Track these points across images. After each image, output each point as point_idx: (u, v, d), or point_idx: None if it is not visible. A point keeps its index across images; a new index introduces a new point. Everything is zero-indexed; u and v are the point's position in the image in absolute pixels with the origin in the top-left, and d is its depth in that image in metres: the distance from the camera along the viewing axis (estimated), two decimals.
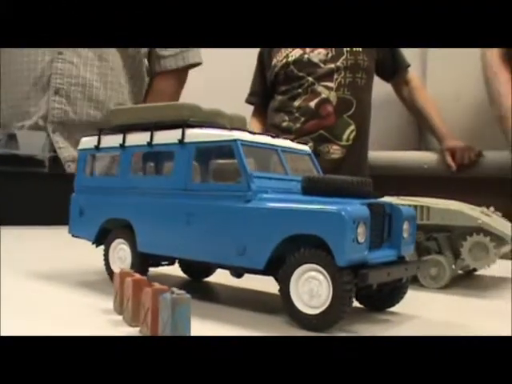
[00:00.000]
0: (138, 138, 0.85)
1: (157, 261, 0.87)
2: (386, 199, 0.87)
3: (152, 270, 0.88)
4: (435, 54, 2.12)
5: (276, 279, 0.74)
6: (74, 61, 1.80)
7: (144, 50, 2.03)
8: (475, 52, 1.92)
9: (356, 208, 0.65)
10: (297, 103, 1.89)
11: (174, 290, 0.57)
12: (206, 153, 0.81)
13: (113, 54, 1.88)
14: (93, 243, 0.93)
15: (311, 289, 0.65)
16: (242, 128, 0.82)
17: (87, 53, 1.81)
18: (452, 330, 0.72)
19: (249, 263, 0.70)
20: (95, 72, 1.83)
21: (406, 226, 0.75)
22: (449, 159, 1.92)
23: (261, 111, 2.08)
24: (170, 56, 2.05)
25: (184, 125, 0.79)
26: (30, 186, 1.84)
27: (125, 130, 0.87)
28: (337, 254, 0.62)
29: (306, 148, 0.88)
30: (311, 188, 0.72)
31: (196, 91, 2.01)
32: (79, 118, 1.83)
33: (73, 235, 0.96)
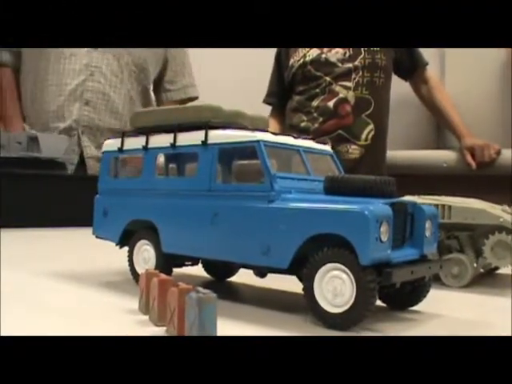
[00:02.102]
0: (160, 140, 0.86)
1: (181, 261, 0.87)
2: (408, 198, 0.87)
3: (175, 270, 0.89)
4: (453, 52, 2.11)
5: (299, 278, 0.74)
6: (102, 81, 2.27)
7: (150, 80, 2.56)
8: (493, 51, 1.91)
9: (379, 207, 0.65)
10: (315, 103, 1.88)
11: (200, 289, 0.57)
12: (230, 154, 0.81)
13: (130, 80, 2.37)
14: (116, 244, 0.93)
15: (335, 287, 0.65)
16: (264, 128, 0.83)
17: (111, 76, 2.30)
18: (475, 328, 0.71)
19: (273, 263, 0.71)
20: (117, 92, 2.32)
21: (428, 224, 0.75)
22: (468, 157, 1.90)
23: (279, 112, 2.08)
24: (175, 90, 2.62)
25: (206, 126, 0.79)
26: (51, 188, 1.87)
27: (147, 132, 0.88)
28: (360, 253, 0.63)
29: (327, 148, 0.88)
30: (334, 188, 0.72)
31: (213, 92, 2.02)
32: (102, 124, 2.28)
33: (97, 236, 0.97)
